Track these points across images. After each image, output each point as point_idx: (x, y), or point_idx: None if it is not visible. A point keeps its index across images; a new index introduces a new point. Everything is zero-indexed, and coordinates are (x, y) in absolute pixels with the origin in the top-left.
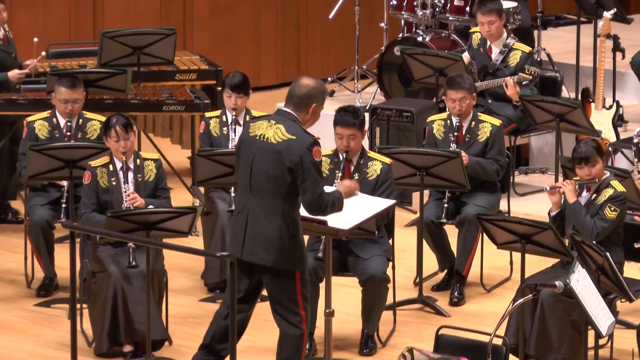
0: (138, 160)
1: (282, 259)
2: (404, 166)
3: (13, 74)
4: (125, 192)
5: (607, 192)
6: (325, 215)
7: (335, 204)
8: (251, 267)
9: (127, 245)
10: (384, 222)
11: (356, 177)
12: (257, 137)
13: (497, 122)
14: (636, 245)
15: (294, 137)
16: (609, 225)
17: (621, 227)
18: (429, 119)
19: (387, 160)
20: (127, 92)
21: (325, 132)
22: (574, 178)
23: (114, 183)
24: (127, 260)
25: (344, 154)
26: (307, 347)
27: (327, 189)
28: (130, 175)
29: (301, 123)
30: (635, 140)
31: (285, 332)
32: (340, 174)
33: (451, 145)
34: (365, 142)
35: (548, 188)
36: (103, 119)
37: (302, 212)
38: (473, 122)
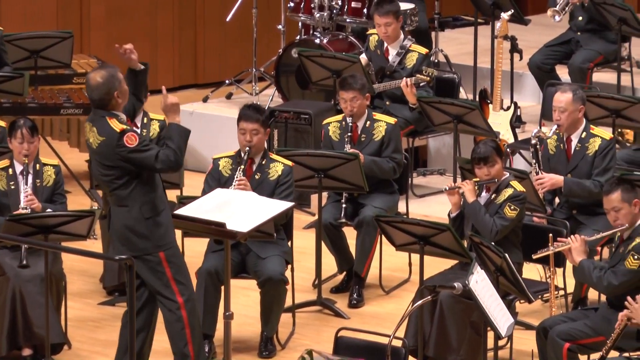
0: (38, 165)
1: (140, 244)
2: (302, 168)
3: None
4: (24, 192)
5: (507, 192)
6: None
7: (177, 150)
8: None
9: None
10: (282, 222)
11: (257, 177)
12: (88, 142)
13: (392, 120)
14: (534, 257)
15: (104, 139)
16: (509, 224)
17: (520, 228)
18: (325, 121)
19: (289, 163)
20: (25, 96)
21: (226, 134)
22: (473, 179)
23: (13, 187)
24: (19, 260)
25: (247, 150)
26: (207, 349)
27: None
28: (30, 178)
29: (116, 111)
30: (533, 142)
31: (165, 318)
32: (242, 168)
33: (346, 145)
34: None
35: (447, 188)
36: None
37: (198, 213)
38: (368, 122)
